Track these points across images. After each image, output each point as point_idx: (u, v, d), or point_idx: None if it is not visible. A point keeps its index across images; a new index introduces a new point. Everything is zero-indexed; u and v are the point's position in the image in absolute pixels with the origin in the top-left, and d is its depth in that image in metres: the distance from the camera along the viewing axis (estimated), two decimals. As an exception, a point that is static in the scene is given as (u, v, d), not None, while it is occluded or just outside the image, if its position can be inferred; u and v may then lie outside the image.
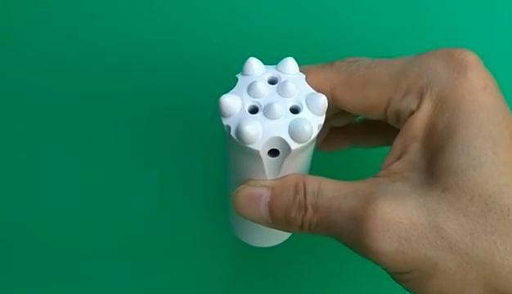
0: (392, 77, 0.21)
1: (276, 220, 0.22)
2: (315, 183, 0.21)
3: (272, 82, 0.22)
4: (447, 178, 0.19)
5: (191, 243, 0.33)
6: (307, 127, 0.20)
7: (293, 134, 0.21)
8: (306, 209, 0.21)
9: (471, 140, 0.19)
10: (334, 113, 0.25)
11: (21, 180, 0.34)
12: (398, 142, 0.21)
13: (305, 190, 0.21)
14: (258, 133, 0.20)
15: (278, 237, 0.28)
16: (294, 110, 0.21)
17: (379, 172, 0.21)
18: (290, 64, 0.22)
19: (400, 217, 0.19)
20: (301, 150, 0.21)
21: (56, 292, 0.33)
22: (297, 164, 0.22)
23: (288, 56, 0.23)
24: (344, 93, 0.22)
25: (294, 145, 0.21)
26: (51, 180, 0.34)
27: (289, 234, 0.28)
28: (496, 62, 0.22)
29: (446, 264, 0.19)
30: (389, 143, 0.23)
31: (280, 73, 0.22)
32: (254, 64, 0.22)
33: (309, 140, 0.21)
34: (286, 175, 0.22)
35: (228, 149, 0.23)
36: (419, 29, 0.31)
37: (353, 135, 0.28)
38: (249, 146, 0.21)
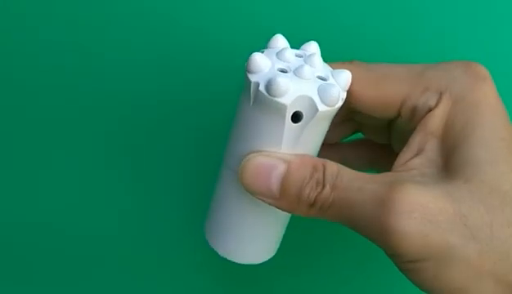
0: (411, 75, 0.22)
1: (285, 194, 0.21)
2: (334, 167, 0.21)
3: (298, 56, 0.22)
4: (466, 171, 0.20)
5: (177, 256, 0.34)
6: (335, 90, 0.21)
7: (322, 95, 0.21)
8: (323, 187, 0.20)
9: (488, 140, 0.20)
10: (340, 120, 0.25)
11: (15, 178, 0.33)
12: (416, 138, 0.22)
13: (324, 171, 0.21)
14: (290, 87, 0.20)
15: (259, 252, 0.26)
16: (321, 79, 0.21)
17: (395, 168, 0.21)
18: (313, 46, 0.23)
19: (427, 201, 0.19)
20: (323, 118, 0.21)
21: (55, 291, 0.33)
22: (313, 139, 0.22)
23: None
24: (362, 87, 0.23)
25: (321, 107, 0.21)
26: (41, 180, 0.33)
27: (271, 253, 0.26)
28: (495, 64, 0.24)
29: (466, 252, 0.19)
30: (374, 166, 0.24)
31: (305, 52, 0.23)
32: (280, 40, 0.23)
33: (335, 107, 0.21)
34: (304, 155, 0.22)
35: (245, 114, 0.22)
36: (420, 29, 0.32)
37: (340, 155, 0.28)
38: (279, 100, 0.20)
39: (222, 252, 0.25)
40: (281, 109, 0.20)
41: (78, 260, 0.34)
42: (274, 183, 0.21)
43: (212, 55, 0.32)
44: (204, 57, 0.32)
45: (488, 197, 0.19)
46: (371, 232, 0.20)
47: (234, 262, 0.26)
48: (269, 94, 0.20)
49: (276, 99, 0.20)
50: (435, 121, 0.21)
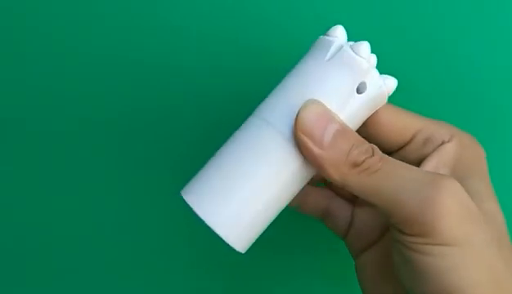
0: (427, 118, 0.26)
1: (335, 146, 0.22)
2: (380, 151, 0.23)
3: None
4: (475, 198, 0.23)
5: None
6: (395, 80, 0.24)
7: (384, 79, 0.24)
8: (373, 154, 0.22)
9: (486, 185, 0.24)
10: None
11: (13, 178, 0.33)
12: (431, 163, 0.24)
13: (373, 147, 0.22)
14: (370, 56, 0.23)
15: (247, 228, 0.22)
16: None
17: None
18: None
19: (464, 193, 0.21)
20: (376, 100, 0.24)
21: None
22: (357, 120, 0.24)
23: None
24: (384, 111, 0.25)
25: (384, 87, 0.23)
26: (41, 180, 0.33)
27: (250, 241, 0.23)
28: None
29: (486, 247, 0.21)
30: (326, 216, 0.28)
31: None
32: (339, 30, 0.24)
33: (387, 96, 0.24)
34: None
35: (310, 70, 0.23)
36: (420, 31, 0.31)
37: (326, 198, 0.29)
38: (362, 59, 0.22)
39: (201, 212, 0.22)
40: (359, 69, 0.22)
41: (77, 261, 0.34)
42: (328, 132, 0.22)
43: (211, 55, 0.32)
44: (203, 58, 0.32)
45: (493, 217, 0.23)
46: (412, 208, 0.21)
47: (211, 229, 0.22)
48: (356, 53, 0.22)
49: (360, 57, 0.22)
50: (449, 152, 0.24)
